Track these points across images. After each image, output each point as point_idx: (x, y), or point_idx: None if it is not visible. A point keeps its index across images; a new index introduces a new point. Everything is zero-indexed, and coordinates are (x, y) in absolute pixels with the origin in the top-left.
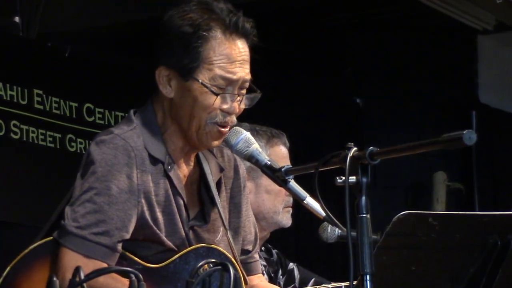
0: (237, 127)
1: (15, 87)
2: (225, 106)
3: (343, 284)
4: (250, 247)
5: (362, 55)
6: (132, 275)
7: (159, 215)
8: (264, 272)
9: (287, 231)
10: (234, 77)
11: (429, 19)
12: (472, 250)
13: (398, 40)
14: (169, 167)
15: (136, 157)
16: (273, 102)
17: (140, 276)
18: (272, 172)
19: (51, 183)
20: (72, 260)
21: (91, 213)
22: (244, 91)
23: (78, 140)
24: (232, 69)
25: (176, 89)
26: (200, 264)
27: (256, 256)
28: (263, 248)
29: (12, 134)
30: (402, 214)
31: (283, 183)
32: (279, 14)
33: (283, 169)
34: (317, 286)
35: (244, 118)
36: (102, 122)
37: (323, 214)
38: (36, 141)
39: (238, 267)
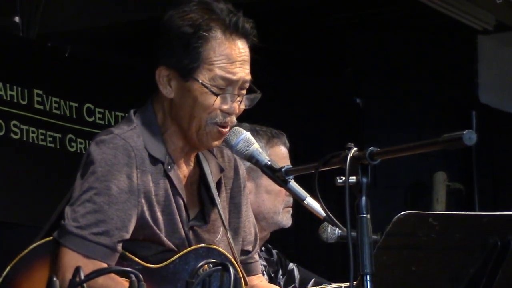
0: (237, 127)
1: (15, 87)
2: (225, 107)
3: (343, 284)
4: (250, 248)
5: (362, 55)
6: (132, 275)
7: (159, 215)
8: (264, 272)
9: (287, 231)
10: (234, 77)
11: (429, 19)
12: (472, 250)
13: (398, 40)
14: (169, 167)
15: (136, 157)
16: (273, 102)
17: (140, 276)
18: (272, 172)
19: (51, 183)
20: (72, 260)
21: (91, 213)
22: (244, 92)
23: (78, 140)
24: (232, 69)
25: (176, 89)
26: (200, 264)
27: (256, 256)
28: (263, 248)
29: (12, 134)
30: (402, 214)
31: (283, 183)
32: (279, 14)
33: (283, 169)
34: (317, 287)
35: (244, 118)
36: (102, 122)
37: (323, 214)
38: (36, 141)
39: (238, 267)
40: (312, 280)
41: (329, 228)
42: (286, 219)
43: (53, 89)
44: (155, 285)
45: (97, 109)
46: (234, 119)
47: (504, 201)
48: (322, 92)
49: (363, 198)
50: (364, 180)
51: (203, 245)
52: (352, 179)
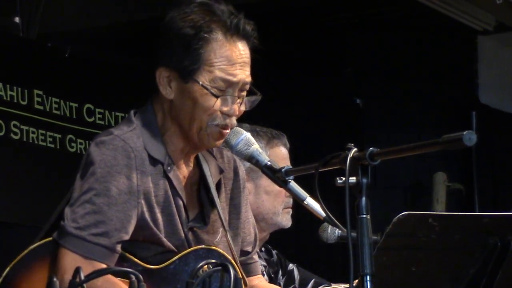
0: (237, 127)
1: (15, 88)
2: (225, 108)
3: (343, 285)
4: (249, 248)
5: (362, 55)
6: (132, 276)
7: (159, 216)
8: (264, 272)
9: (287, 231)
10: (235, 79)
11: (429, 19)
12: (472, 251)
13: (398, 40)
14: (169, 168)
15: (135, 158)
16: (273, 102)
17: (140, 276)
18: (272, 173)
19: (51, 184)
20: (71, 261)
21: (90, 214)
22: (244, 93)
23: (78, 140)
24: (233, 71)
25: (176, 90)
26: (200, 265)
27: (256, 257)
28: (263, 248)
29: (12, 135)
30: (402, 214)
31: (283, 184)
32: (279, 14)
33: (283, 170)
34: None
35: (244, 118)
36: (102, 122)
37: (323, 214)
38: (36, 142)
39: (237, 268)
40: (312, 280)
41: (329, 229)
42: (285, 220)
43: (53, 90)
44: (155, 286)
45: (97, 110)
46: (234, 120)
47: (504, 201)
48: (322, 92)
49: (363, 199)
50: (364, 180)
51: (203, 246)
52: (352, 179)
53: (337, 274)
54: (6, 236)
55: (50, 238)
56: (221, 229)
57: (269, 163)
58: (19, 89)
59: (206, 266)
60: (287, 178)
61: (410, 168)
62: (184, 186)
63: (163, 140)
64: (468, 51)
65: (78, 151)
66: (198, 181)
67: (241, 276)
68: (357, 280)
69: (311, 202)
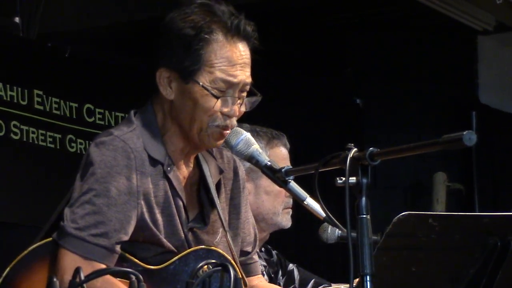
0: (237, 128)
1: (15, 88)
2: (225, 109)
3: (342, 285)
4: (249, 248)
5: (362, 55)
6: (133, 276)
7: (159, 216)
8: (264, 272)
9: (287, 231)
10: (235, 80)
11: (429, 19)
12: (472, 251)
13: (398, 40)
14: (169, 168)
15: (135, 158)
16: (273, 102)
17: (140, 276)
18: (272, 173)
19: (51, 184)
20: (71, 261)
21: (90, 215)
22: (244, 94)
23: (78, 140)
24: (233, 72)
25: (177, 91)
26: (200, 265)
27: (256, 257)
28: (262, 249)
29: (12, 135)
30: (402, 215)
31: (283, 184)
32: (279, 14)
33: (283, 170)
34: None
35: (244, 118)
36: (102, 122)
37: (323, 214)
38: (36, 142)
39: (237, 268)
40: (312, 280)
41: (329, 229)
42: (285, 220)
43: (53, 90)
44: (154, 286)
45: (97, 110)
46: (234, 121)
47: (504, 201)
48: (322, 92)
49: (363, 199)
50: (364, 180)
51: (202, 246)
52: (352, 179)
53: (337, 274)
54: (6, 236)
55: (50, 239)
56: (221, 230)
57: (269, 163)
58: (19, 89)
59: (206, 266)
60: (287, 178)
61: (410, 168)
62: (184, 187)
63: (163, 140)
64: (468, 51)
65: (78, 151)
66: (198, 181)
67: (241, 276)
68: (357, 280)
69: (311, 202)
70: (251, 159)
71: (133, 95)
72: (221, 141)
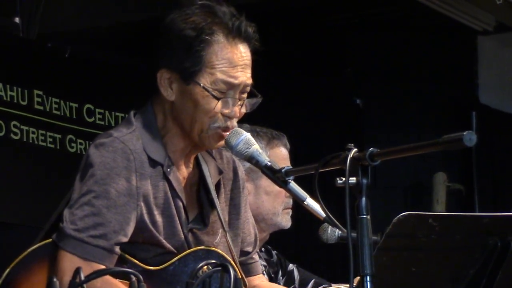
0: (237, 128)
1: (15, 88)
2: (226, 111)
3: (342, 285)
4: (249, 249)
5: (362, 55)
6: (133, 276)
7: (158, 217)
8: (264, 272)
9: (287, 232)
10: (236, 81)
11: (429, 19)
12: (472, 251)
13: (398, 40)
14: (169, 169)
15: (135, 160)
16: (273, 102)
17: (140, 277)
18: (273, 173)
19: (51, 184)
20: (70, 262)
21: (89, 216)
22: (245, 95)
23: (78, 140)
24: (234, 73)
25: (177, 92)
26: (200, 265)
27: (256, 257)
28: (262, 249)
29: (12, 135)
30: (402, 215)
31: (283, 184)
32: (279, 14)
33: (283, 170)
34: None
35: (244, 118)
36: (102, 123)
37: (323, 215)
38: (36, 142)
39: (237, 269)
40: (312, 281)
41: (329, 229)
42: (285, 221)
43: (53, 90)
44: (154, 287)
45: (97, 110)
46: (234, 123)
47: (504, 201)
48: (322, 92)
49: (363, 199)
50: (364, 181)
51: (202, 247)
52: (352, 180)
53: (337, 274)
54: (6, 236)
55: (50, 240)
56: (220, 230)
57: (269, 163)
58: (19, 89)
59: (205, 266)
60: (287, 179)
61: (410, 168)
62: (183, 187)
63: (163, 141)
64: (468, 51)
65: (78, 151)
66: (198, 182)
67: (240, 277)
68: (357, 278)
69: (311, 202)
70: (251, 159)
71: (133, 95)
72: (222, 142)
